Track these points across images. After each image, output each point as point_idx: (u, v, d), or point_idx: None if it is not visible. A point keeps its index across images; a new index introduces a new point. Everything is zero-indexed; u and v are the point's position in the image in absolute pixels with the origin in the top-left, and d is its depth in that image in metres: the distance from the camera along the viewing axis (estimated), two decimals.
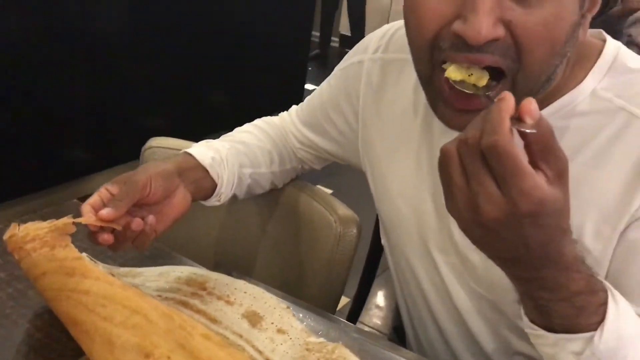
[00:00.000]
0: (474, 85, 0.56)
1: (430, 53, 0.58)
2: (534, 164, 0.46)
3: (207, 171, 0.81)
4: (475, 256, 0.71)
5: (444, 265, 0.76)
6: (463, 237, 0.52)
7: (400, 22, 0.80)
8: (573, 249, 0.52)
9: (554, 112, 0.65)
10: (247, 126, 0.95)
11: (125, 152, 2.53)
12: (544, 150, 0.46)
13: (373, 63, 0.81)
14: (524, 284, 0.54)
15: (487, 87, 0.56)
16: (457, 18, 0.54)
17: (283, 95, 3.43)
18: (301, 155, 0.94)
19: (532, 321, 0.57)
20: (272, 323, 0.74)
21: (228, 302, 0.76)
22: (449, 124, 0.61)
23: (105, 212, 0.66)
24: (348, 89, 0.85)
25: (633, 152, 0.62)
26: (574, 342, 0.54)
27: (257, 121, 0.97)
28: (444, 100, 0.60)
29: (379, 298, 2.16)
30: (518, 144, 0.45)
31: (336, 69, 0.89)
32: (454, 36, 0.55)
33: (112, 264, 0.83)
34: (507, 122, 0.44)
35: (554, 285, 0.52)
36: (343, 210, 0.89)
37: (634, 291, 0.61)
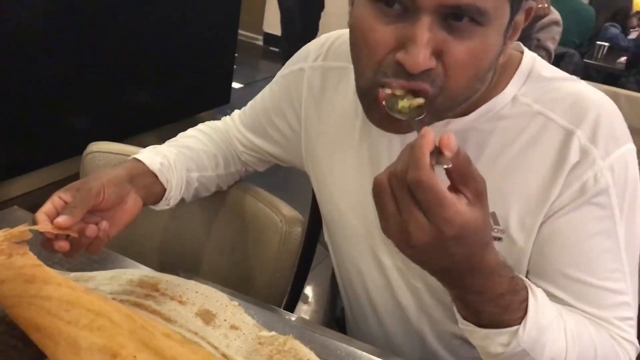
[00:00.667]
0: (408, 107, 0.62)
1: (372, 73, 0.64)
2: (455, 188, 0.53)
3: (156, 176, 0.84)
4: None
5: (389, 266, 0.82)
6: None
7: (339, 32, 0.86)
8: (495, 257, 0.59)
9: (481, 115, 0.73)
10: (191, 131, 0.98)
11: (47, 154, 2.46)
12: (463, 176, 0.53)
13: (313, 70, 0.86)
14: (455, 289, 0.62)
15: (419, 108, 0.62)
16: (400, 48, 0.60)
17: (210, 94, 3.42)
18: (245, 158, 0.98)
19: (464, 318, 0.65)
20: (225, 320, 0.78)
21: (181, 302, 0.79)
22: (382, 125, 0.67)
23: (61, 219, 0.68)
24: (290, 94, 0.89)
25: (550, 152, 0.70)
26: (501, 335, 0.63)
27: (201, 126, 1.00)
28: (378, 109, 0.65)
29: (314, 290, 2.22)
30: (440, 173, 0.52)
31: (278, 75, 0.93)
32: (396, 64, 0.61)
33: (61, 269, 0.84)
34: (427, 159, 0.51)
35: (480, 289, 0.60)
36: (288, 210, 0.94)
37: (552, 275, 0.71)
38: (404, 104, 0.62)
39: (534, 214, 0.71)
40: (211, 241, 1.03)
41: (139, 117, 2.87)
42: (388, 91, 0.62)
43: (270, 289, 0.95)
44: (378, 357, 0.76)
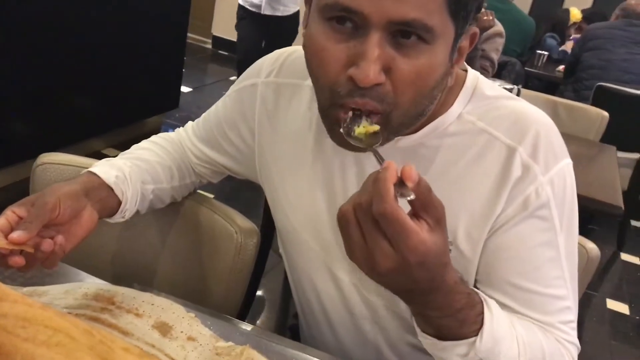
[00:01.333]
0: (364, 134, 0.65)
1: (330, 92, 0.67)
2: (416, 215, 0.56)
3: (111, 189, 0.84)
4: None
5: (344, 281, 0.85)
6: None
7: (292, 49, 0.89)
8: (454, 275, 0.63)
9: (429, 133, 0.76)
10: (145, 143, 0.98)
11: None
12: (424, 204, 0.56)
13: (266, 86, 0.88)
14: (416, 306, 0.66)
15: (375, 134, 0.65)
16: (351, 65, 0.63)
17: (159, 99, 3.38)
18: (199, 170, 0.99)
19: (423, 331, 0.68)
20: (182, 332, 0.79)
21: (137, 315, 0.80)
22: (342, 144, 0.69)
23: (16, 235, 0.68)
24: (244, 109, 0.91)
25: (493, 168, 0.74)
26: (459, 346, 0.67)
27: (155, 138, 1.00)
28: (337, 127, 0.68)
29: (266, 297, 2.23)
30: (402, 201, 0.55)
31: (231, 89, 0.95)
32: (349, 80, 0.64)
33: (12, 284, 0.83)
34: (391, 191, 0.54)
35: (440, 306, 0.64)
36: (243, 221, 0.96)
37: (500, 285, 0.76)
38: (360, 130, 0.65)
39: (480, 226, 0.75)
40: (166, 252, 1.03)
41: (87, 122, 2.81)
42: (346, 115, 0.65)
43: (225, 299, 0.96)
44: None
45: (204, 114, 1.00)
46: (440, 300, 0.63)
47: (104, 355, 0.64)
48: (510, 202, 0.73)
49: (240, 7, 3.53)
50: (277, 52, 0.91)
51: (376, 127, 0.65)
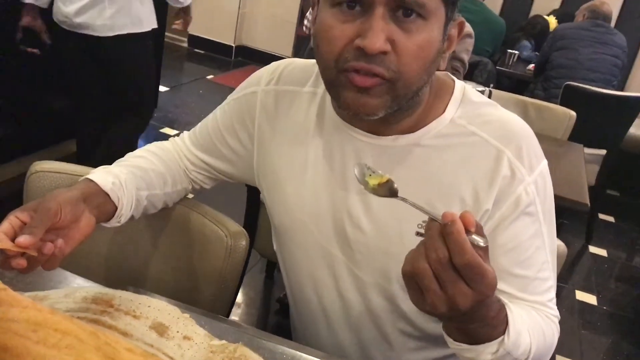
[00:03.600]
0: (378, 184, 0.73)
1: (335, 62, 0.76)
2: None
3: (108, 196, 0.88)
4: (367, 250, 0.88)
5: (340, 261, 0.91)
6: (357, 236, 0.84)
7: (288, 60, 0.98)
8: None
9: (425, 133, 0.86)
10: (139, 151, 1.03)
11: None
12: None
13: (266, 94, 0.96)
14: (461, 323, 0.71)
15: (387, 184, 0.73)
16: (357, 37, 0.73)
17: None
18: (193, 177, 1.05)
19: (456, 340, 0.74)
20: (178, 332, 0.84)
21: (135, 317, 0.85)
22: (352, 106, 0.78)
23: (23, 238, 0.72)
24: (243, 115, 0.98)
25: (484, 166, 0.83)
26: (491, 346, 0.74)
27: (149, 146, 1.05)
28: (348, 88, 0.77)
29: (247, 295, 2.28)
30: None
31: (229, 98, 1.02)
32: (356, 49, 0.74)
33: (13, 289, 0.86)
34: (468, 242, 0.61)
35: (482, 318, 0.70)
36: (232, 225, 1.01)
37: (502, 275, 0.84)
38: (373, 181, 0.72)
39: None
40: (158, 256, 1.07)
41: (66, 123, 2.81)
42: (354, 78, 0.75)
43: (215, 301, 1.01)
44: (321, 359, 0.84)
45: (200, 124, 1.06)
46: (484, 313, 0.70)
47: (110, 355, 0.69)
48: (503, 201, 0.83)
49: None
50: (275, 63, 0.99)
51: (387, 178, 0.73)
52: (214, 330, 0.85)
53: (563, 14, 4.47)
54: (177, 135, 1.10)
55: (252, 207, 1.66)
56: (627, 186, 4.03)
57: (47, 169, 1.06)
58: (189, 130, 1.08)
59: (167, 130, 3.71)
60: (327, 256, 0.92)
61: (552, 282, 0.89)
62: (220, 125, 1.00)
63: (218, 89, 4.81)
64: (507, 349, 0.74)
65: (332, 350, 0.97)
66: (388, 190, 0.72)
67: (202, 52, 5.67)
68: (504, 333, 0.73)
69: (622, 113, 3.30)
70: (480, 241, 0.62)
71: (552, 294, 0.89)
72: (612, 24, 3.80)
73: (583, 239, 3.37)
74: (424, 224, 0.79)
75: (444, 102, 0.86)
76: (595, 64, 3.43)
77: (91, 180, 0.88)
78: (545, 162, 0.86)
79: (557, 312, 0.90)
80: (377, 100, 0.77)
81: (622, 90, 4.17)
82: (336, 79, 0.78)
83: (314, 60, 0.92)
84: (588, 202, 1.82)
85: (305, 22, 3.83)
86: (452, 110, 0.86)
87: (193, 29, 5.66)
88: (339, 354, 0.96)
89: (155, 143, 1.06)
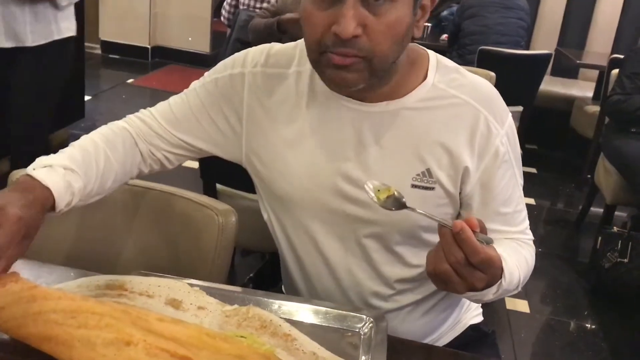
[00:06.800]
0: (386, 197, 0.85)
1: (318, 45, 0.87)
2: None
3: (50, 192, 0.86)
4: (366, 204, 0.96)
5: (337, 209, 0.99)
6: (357, 193, 0.96)
7: (270, 45, 1.05)
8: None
9: (412, 98, 0.96)
10: (96, 139, 0.99)
11: None
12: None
13: (254, 75, 1.02)
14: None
15: (392, 196, 0.86)
16: (333, 23, 0.83)
17: (63, 111, 3.30)
18: (161, 155, 1.04)
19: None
20: (191, 303, 0.90)
21: (149, 296, 0.90)
22: (334, 80, 0.89)
23: None
24: (230, 94, 1.03)
25: (465, 124, 0.95)
26: (492, 289, 0.87)
27: (102, 133, 1.02)
28: (329, 66, 0.87)
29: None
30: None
31: (209, 77, 1.05)
32: (333, 35, 0.84)
33: None
34: (478, 244, 0.77)
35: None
36: (219, 204, 1.07)
37: (491, 216, 0.99)
38: (382, 195, 0.86)
39: (457, 168, 0.96)
40: (149, 245, 1.12)
41: None
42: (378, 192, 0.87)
43: (211, 276, 1.07)
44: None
45: (170, 102, 1.06)
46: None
47: (145, 327, 0.75)
48: (485, 155, 0.96)
49: None
50: (261, 46, 1.05)
51: (392, 191, 0.86)
52: (223, 298, 0.92)
53: None
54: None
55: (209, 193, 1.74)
56: (543, 139, 4.34)
57: None
58: None
59: None
60: (330, 213, 1.00)
61: (525, 212, 1.05)
62: (205, 104, 1.03)
63: (140, 91, 4.75)
64: (504, 287, 0.89)
65: (336, 298, 1.06)
66: (397, 202, 0.85)
67: (118, 57, 5.56)
68: (501, 277, 0.86)
69: (532, 70, 3.56)
70: (487, 241, 0.79)
71: (527, 221, 1.05)
72: None
73: None
74: (417, 177, 0.95)
75: (423, 69, 0.97)
76: (503, 27, 3.67)
77: (34, 179, 0.86)
78: (510, 114, 0.99)
79: (532, 236, 1.06)
80: (356, 75, 0.87)
81: (528, 49, 4.46)
82: (319, 60, 0.88)
83: (293, 43, 1.03)
84: None
85: (223, 12, 3.81)
86: (431, 77, 0.97)
87: (105, 35, 5.55)
88: (343, 302, 1.05)
89: (109, 126, 1.04)
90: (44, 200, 0.86)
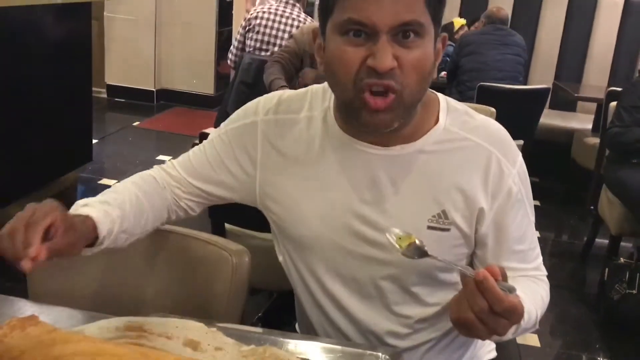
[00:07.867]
0: (407, 245, 0.87)
1: (353, 83, 0.89)
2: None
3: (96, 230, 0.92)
4: (383, 247, 0.98)
5: (354, 252, 1.02)
6: (375, 236, 0.98)
7: (280, 92, 1.09)
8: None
9: (425, 141, 0.98)
10: (128, 190, 1.04)
11: None
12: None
13: (266, 123, 1.06)
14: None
15: (412, 244, 0.87)
16: (368, 57, 0.86)
17: (71, 154, 3.36)
18: (184, 204, 1.10)
19: None
20: (209, 344, 0.92)
21: (168, 338, 0.92)
22: (370, 124, 0.91)
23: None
24: (244, 143, 1.06)
25: (478, 166, 0.98)
26: (511, 330, 0.86)
27: (136, 182, 1.07)
28: (365, 109, 0.89)
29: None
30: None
31: (225, 127, 1.10)
32: (369, 69, 0.87)
33: None
34: (501, 293, 0.77)
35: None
36: (232, 244, 1.10)
37: (507, 255, 1.02)
38: (402, 243, 0.87)
39: (471, 209, 0.99)
40: (172, 285, 1.15)
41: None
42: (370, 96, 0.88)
43: (226, 316, 1.09)
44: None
45: (189, 154, 1.12)
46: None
47: None
48: (498, 195, 0.98)
49: None
50: (268, 95, 1.10)
51: (413, 239, 0.87)
52: (240, 338, 0.94)
53: (476, 20, 4.69)
54: (115, 182, 1.11)
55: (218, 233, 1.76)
56: (544, 172, 4.37)
57: None
58: (126, 177, 1.09)
59: (105, 181, 3.70)
60: (346, 256, 1.03)
61: (538, 248, 1.07)
62: (220, 153, 1.08)
63: (146, 134, 4.81)
64: (522, 327, 0.91)
65: (352, 337, 1.07)
66: (418, 251, 0.87)
67: (123, 100, 5.65)
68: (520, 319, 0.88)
69: (531, 105, 3.61)
70: (510, 289, 0.79)
71: (540, 257, 1.08)
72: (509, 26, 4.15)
73: None
74: (433, 219, 0.98)
75: (435, 112, 1.00)
76: (501, 64, 3.74)
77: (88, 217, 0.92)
78: (520, 154, 1.01)
79: (545, 271, 1.08)
80: (391, 115, 0.90)
81: (526, 84, 4.53)
82: (354, 101, 0.90)
83: (305, 89, 1.06)
84: None
85: (230, 55, 3.93)
86: (443, 119, 0.99)
87: (111, 79, 5.66)
88: (359, 340, 1.07)
89: (137, 174, 1.09)
90: (84, 218, 0.91)
